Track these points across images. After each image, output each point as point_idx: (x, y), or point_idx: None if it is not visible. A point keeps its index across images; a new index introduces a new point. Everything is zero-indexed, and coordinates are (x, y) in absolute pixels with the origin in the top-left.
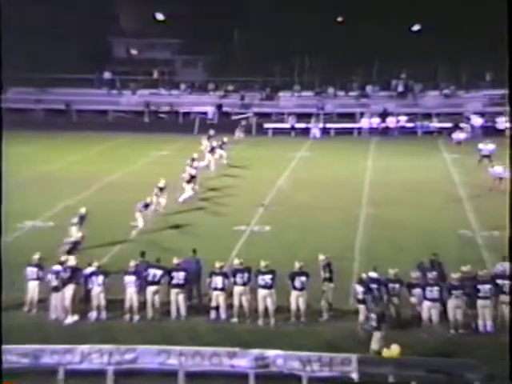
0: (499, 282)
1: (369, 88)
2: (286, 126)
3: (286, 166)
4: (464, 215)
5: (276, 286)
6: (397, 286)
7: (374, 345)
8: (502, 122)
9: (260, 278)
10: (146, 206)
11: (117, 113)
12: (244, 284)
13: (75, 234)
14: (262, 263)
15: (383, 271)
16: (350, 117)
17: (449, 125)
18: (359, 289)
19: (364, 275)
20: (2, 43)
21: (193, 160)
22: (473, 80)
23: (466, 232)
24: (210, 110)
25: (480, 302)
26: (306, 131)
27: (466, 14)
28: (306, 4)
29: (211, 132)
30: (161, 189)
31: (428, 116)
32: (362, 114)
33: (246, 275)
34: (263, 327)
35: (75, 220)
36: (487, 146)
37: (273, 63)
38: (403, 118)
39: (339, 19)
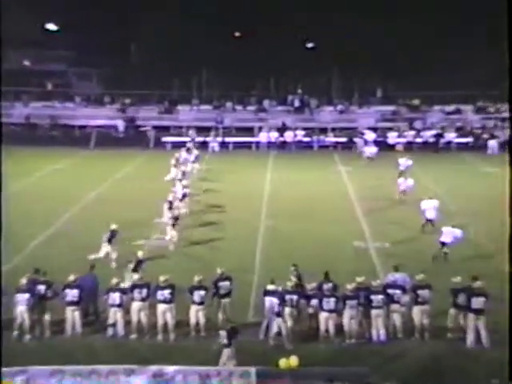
0: (390, 291)
1: (266, 103)
2: (186, 139)
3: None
4: (359, 227)
5: (175, 300)
6: (295, 297)
7: (223, 361)
8: (392, 137)
9: (159, 292)
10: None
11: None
12: (142, 299)
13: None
14: (161, 278)
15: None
16: (249, 131)
17: (344, 139)
18: (272, 301)
19: (271, 287)
20: None
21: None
22: (365, 96)
23: (360, 244)
24: (120, 123)
25: (373, 312)
26: (205, 145)
27: (357, 32)
28: (203, 18)
29: (189, 144)
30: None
31: (324, 130)
32: (260, 129)
33: (144, 290)
34: (162, 343)
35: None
36: (406, 162)
37: (171, 77)
38: (300, 133)
39: (236, 34)
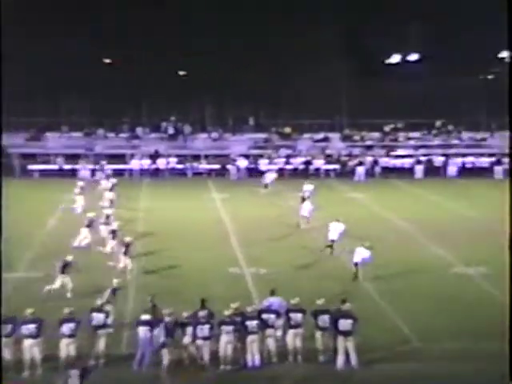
0: (265, 316)
1: (139, 130)
2: (54, 167)
3: (54, 208)
4: (233, 253)
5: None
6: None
7: None
8: (264, 164)
9: (24, 327)
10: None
11: None
12: (6, 336)
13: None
14: (28, 310)
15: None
16: (121, 158)
17: (217, 166)
18: (146, 331)
19: (145, 317)
20: None
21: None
22: (238, 124)
23: (235, 269)
24: None
25: (248, 338)
26: (74, 172)
27: (229, 60)
28: (74, 43)
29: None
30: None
31: (197, 158)
32: (132, 156)
33: (9, 326)
34: (29, 378)
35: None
36: (309, 187)
37: (38, 102)
38: (173, 160)
39: (107, 61)
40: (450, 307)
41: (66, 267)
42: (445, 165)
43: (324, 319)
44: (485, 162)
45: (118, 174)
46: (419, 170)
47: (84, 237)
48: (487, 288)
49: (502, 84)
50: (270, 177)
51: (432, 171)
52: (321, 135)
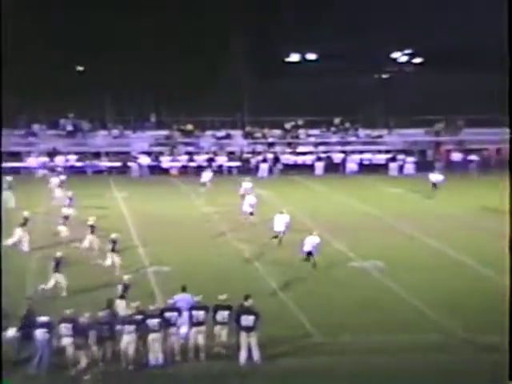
0: (168, 314)
1: (36, 127)
2: None
3: None
4: (136, 251)
5: None
6: (69, 325)
7: None
8: (166, 161)
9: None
10: None
11: None
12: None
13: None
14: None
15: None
16: (16, 156)
17: (118, 164)
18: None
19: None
20: None
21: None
22: (139, 121)
23: (137, 267)
24: None
25: (150, 336)
26: None
27: (129, 57)
28: None
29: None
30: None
31: (97, 155)
32: (29, 153)
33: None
34: None
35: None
36: (248, 185)
37: None
38: (73, 157)
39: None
40: (348, 301)
41: (58, 265)
42: (343, 161)
43: (223, 314)
44: (381, 158)
45: (13, 172)
46: (319, 166)
47: (19, 236)
48: (385, 282)
49: (396, 83)
50: (206, 176)
51: (332, 168)
52: (223, 132)
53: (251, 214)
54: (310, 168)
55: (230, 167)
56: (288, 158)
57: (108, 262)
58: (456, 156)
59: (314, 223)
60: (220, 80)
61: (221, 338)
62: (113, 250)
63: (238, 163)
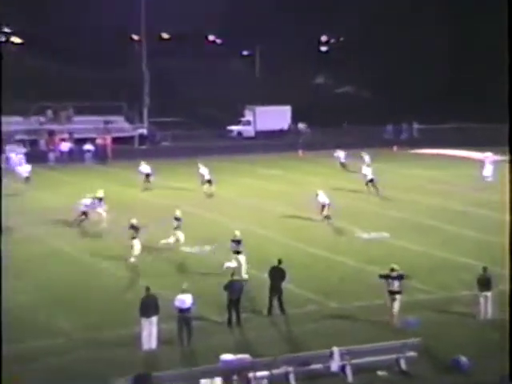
0: None
1: None
2: None
3: None
4: None
5: None
6: None
7: None
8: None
9: None
10: None
11: None
12: None
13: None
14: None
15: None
16: None
17: None
18: None
19: None
20: None
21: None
22: None
23: None
24: None
25: None
26: None
27: None
28: None
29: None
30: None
31: None
32: None
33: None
34: None
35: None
36: (205, 171)
37: None
38: None
39: None
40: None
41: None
42: None
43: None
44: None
45: None
46: None
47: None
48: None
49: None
50: (25, 169)
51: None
52: None
53: None
54: None
55: None
56: None
57: (138, 247)
58: (66, 146)
59: None
60: None
61: None
62: (134, 238)
63: None
